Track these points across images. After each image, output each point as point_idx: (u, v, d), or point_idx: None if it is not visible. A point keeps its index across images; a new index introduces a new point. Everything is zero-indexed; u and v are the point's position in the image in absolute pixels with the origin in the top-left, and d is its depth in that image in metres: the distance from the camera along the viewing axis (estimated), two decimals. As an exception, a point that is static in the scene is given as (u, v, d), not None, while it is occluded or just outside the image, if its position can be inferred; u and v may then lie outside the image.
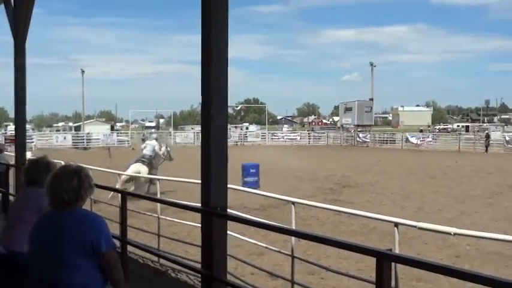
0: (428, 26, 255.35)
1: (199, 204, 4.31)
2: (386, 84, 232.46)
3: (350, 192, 18.52)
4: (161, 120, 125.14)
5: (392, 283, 4.71)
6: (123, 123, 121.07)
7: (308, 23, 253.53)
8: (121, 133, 66.82)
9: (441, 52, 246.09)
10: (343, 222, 12.46)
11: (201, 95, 4.26)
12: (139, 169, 17.33)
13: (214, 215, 4.04)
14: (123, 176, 15.65)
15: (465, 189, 19.25)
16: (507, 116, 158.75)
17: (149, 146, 18.80)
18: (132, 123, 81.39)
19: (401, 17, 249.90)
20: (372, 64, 66.11)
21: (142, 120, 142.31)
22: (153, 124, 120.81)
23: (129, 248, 5.95)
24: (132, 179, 16.80)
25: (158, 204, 9.21)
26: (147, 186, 17.46)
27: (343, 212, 7.01)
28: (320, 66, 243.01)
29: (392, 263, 3.29)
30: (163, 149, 19.35)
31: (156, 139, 20.64)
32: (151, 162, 18.27)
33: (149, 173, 17.46)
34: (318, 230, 11.15)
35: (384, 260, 2.77)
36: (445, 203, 15.96)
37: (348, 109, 60.82)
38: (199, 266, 4.53)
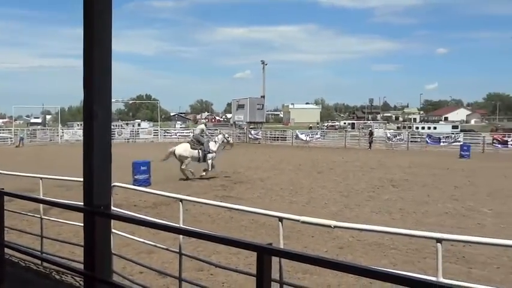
0: (318, 26, 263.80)
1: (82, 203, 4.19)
2: (278, 82, 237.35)
3: (241, 189, 18.76)
4: (48, 117, 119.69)
5: (278, 276, 4.85)
6: (6, 120, 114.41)
7: (202, 20, 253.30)
8: (3, 130, 63.03)
9: (330, 52, 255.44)
10: (233, 218, 12.59)
11: (83, 91, 4.13)
12: (184, 147, 22.22)
13: (97, 214, 3.94)
14: (169, 151, 21.91)
15: (350, 183, 20.15)
16: (389, 114, 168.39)
17: (198, 129, 24.07)
18: (16, 120, 76.91)
19: (293, 17, 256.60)
20: (263, 62, 67.28)
21: (27, 116, 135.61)
22: (39, 120, 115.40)
23: (10, 250, 5.66)
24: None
25: (41, 204, 8.81)
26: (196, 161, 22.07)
27: (229, 208, 7.09)
28: (213, 63, 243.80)
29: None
30: (220, 136, 23.72)
31: (205, 124, 26.13)
32: (198, 141, 22.38)
33: (194, 151, 21.97)
34: (208, 227, 11.22)
35: (264, 254, 2.84)
36: (331, 197, 16.61)
37: (240, 106, 61.46)
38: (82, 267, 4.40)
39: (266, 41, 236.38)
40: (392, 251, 9.86)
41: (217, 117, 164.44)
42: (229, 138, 24.74)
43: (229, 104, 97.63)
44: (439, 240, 4.26)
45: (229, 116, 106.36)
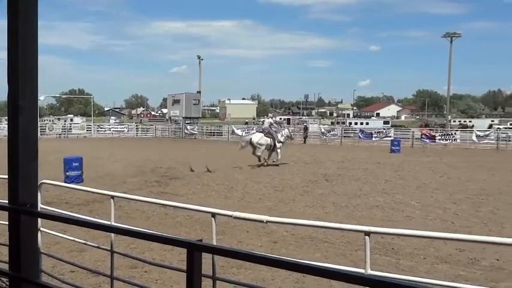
0: (254, 22, 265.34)
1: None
2: (214, 78, 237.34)
3: (177, 184, 18.61)
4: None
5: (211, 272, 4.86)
6: None
7: (137, 14, 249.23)
8: None
9: (266, 48, 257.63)
10: (168, 214, 12.48)
11: (8, 85, 3.99)
12: (260, 135, 25.71)
13: (22, 212, 3.82)
14: (246, 140, 26.41)
15: (285, 178, 20.37)
16: (324, 110, 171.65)
17: (266, 122, 27.92)
18: None
19: (229, 12, 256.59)
20: (199, 57, 67.12)
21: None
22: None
23: None
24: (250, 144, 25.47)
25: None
26: (268, 153, 25.96)
27: (161, 204, 7.03)
28: (149, 57, 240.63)
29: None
30: (286, 131, 28.01)
31: (272, 117, 31.96)
32: (269, 132, 25.88)
33: (268, 139, 25.49)
34: (142, 224, 11.06)
35: (194, 250, 2.85)
36: (266, 192, 16.74)
37: (176, 101, 60.94)
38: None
39: (203, 36, 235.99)
40: (325, 244, 10.06)
41: (152, 112, 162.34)
42: (292, 134, 30.28)
43: (165, 99, 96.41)
44: (367, 233, 4.38)
45: (165, 111, 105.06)
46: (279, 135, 26.19)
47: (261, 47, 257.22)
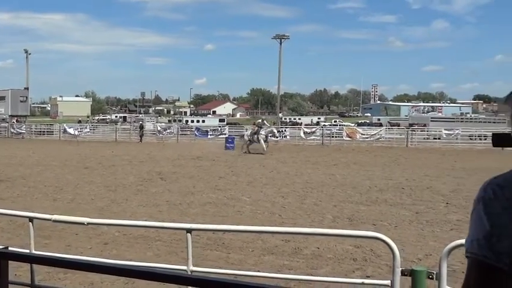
0: (88, 16, 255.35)
1: None
2: (45, 73, 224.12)
3: (0, 188, 17.35)
4: None
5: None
6: None
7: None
8: None
9: (101, 44, 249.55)
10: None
11: None
12: None
13: None
14: None
15: (118, 177, 19.96)
16: (161, 108, 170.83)
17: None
18: None
19: (59, 4, 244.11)
20: (26, 51, 63.14)
21: None
22: None
23: None
24: None
25: None
26: None
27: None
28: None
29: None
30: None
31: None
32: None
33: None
34: (-44, 232, 10.18)
35: (-1, 258, 2.72)
36: (98, 193, 16.25)
37: (1, 98, 56.95)
38: None
39: (31, 29, 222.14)
40: (157, 242, 10.06)
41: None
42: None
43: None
44: (188, 231, 4.51)
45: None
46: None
47: (96, 43, 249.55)
